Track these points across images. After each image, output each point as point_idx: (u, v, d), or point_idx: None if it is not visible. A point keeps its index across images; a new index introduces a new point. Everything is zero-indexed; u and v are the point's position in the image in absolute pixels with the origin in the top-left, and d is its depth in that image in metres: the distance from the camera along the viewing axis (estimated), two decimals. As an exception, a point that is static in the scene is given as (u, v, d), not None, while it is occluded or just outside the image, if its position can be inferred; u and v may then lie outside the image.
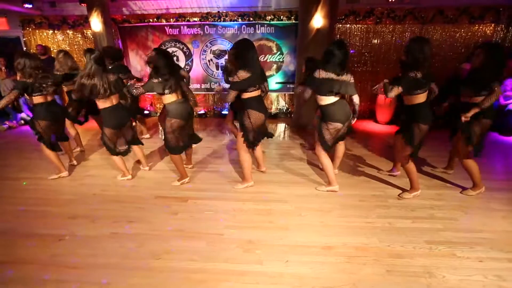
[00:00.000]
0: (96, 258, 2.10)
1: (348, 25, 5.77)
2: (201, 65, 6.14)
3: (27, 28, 6.22)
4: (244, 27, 5.82)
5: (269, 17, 5.75)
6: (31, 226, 2.50)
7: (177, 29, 5.93)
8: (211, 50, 6.01)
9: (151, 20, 5.94)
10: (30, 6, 5.48)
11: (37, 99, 3.01)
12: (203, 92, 6.33)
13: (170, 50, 6.04)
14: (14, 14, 6.06)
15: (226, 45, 5.97)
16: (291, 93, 6.16)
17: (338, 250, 2.14)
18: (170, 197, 2.93)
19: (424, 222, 2.46)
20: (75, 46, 6.30)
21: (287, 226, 2.44)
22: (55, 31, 6.23)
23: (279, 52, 5.92)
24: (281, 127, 5.60)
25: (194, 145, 3.46)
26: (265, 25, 5.78)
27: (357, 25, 5.77)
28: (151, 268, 1.99)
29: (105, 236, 2.35)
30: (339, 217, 2.56)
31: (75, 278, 1.92)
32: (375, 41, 5.83)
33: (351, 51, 5.88)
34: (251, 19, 5.77)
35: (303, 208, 2.70)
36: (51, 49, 6.27)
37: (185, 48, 6.03)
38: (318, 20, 4.68)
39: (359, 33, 5.82)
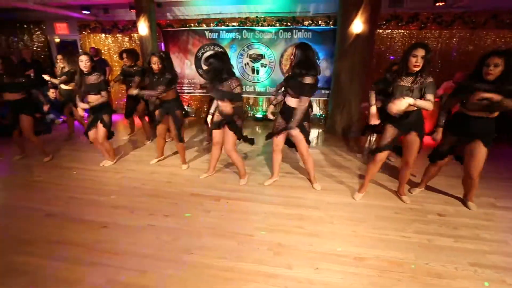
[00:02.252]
0: (135, 247, 2.24)
1: (389, 31, 5.57)
2: (238, 68, 6.29)
3: (83, 32, 6.84)
4: (281, 32, 5.87)
5: (307, 22, 5.75)
6: (79, 212, 2.74)
7: (217, 33, 6.15)
8: (247, 54, 6.14)
9: (192, 25, 6.22)
10: (88, 12, 6.06)
11: None
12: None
13: (208, 53, 6.28)
14: (73, 20, 6.71)
15: (262, 50, 6.06)
16: (325, 98, 6.07)
17: (370, 262, 2.07)
18: (204, 195, 3.03)
19: (468, 243, 2.28)
20: (123, 49, 6.79)
21: (318, 233, 2.41)
22: (107, 35, 6.78)
23: (315, 58, 5.87)
24: (314, 133, 5.53)
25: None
26: (302, 30, 5.78)
27: (399, 31, 5.55)
28: (184, 262, 2.08)
29: (143, 227, 2.50)
30: (373, 228, 2.47)
31: (116, 263, 2.07)
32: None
33: (391, 58, 5.66)
34: (289, 24, 5.81)
35: (334, 216, 2.65)
36: (102, 51, 6.84)
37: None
38: (358, 25, 4.57)
39: (401, 39, 5.59)
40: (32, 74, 5.82)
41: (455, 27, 5.30)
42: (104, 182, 3.37)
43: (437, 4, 4.91)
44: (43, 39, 7.12)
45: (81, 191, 3.15)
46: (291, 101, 2.82)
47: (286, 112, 2.89)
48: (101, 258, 2.12)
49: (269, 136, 3.12)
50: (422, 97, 2.37)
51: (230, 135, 3.02)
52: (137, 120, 5.00)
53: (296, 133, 2.85)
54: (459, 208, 2.79)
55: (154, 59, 3.19)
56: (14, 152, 4.08)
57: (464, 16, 5.18)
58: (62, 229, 2.47)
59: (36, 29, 7.06)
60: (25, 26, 7.04)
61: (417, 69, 2.32)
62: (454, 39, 5.37)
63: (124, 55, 4.44)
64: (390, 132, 2.63)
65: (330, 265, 2.05)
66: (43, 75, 4.53)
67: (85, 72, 3.29)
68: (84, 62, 3.24)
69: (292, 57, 2.72)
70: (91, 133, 3.60)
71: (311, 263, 2.06)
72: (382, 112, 2.61)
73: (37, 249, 2.22)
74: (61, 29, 6.99)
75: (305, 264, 2.05)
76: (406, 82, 2.41)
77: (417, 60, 2.28)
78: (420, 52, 2.27)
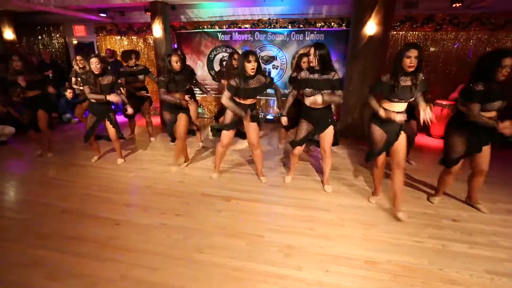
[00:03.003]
0: (147, 245, 2.28)
1: (403, 32, 5.49)
2: (249, 70, 6.32)
3: (100, 34, 7.04)
4: (293, 34, 5.87)
5: (320, 24, 5.73)
6: (94, 208, 2.82)
7: (229, 35, 6.21)
8: (259, 56, 6.17)
9: (205, 27, 6.30)
10: (104, 15, 6.23)
11: None
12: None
13: (220, 55, 6.35)
14: (90, 22, 6.92)
15: (274, 52, 6.08)
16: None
17: (382, 267, 2.04)
18: (214, 195, 3.06)
19: (484, 250, 2.22)
20: (138, 50, 6.95)
21: (328, 235, 2.39)
22: (122, 37, 6.95)
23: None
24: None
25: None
26: (315, 32, 5.76)
27: (414, 32, 5.46)
28: (195, 260, 2.11)
29: (155, 225, 2.55)
30: (384, 232, 2.43)
31: (129, 260, 2.12)
32: (433, 49, 5.45)
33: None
34: (301, 26, 5.80)
35: (345, 219, 2.62)
36: (117, 52, 7.01)
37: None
38: (371, 27, 4.53)
39: (415, 41, 5.49)
40: (50, 75, 6.01)
41: (473, 29, 5.17)
42: (118, 180, 3.45)
43: (454, 5, 4.81)
44: (62, 40, 7.37)
45: (96, 188, 3.23)
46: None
47: (310, 115, 2.84)
48: (114, 254, 2.17)
49: (296, 144, 3.01)
50: None
51: (255, 128, 3.10)
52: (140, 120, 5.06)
53: (330, 129, 2.88)
54: (474, 213, 2.72)
55: (175, 58, 3.26)
56: (34, 148, 4.24)
57: (483, 17, 5.04)
58: (77, 225, 2.54)
59: (55, 31, 7.30)
60: (45, 28, 7.30)
61: (412, 69, 2.33)
62: (471, 41, 5.23)
63: (133, 56, 4.56)
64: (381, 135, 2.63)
65: (340, 268, 2.03)
66: (73, 86, 4.76)
67: (96, 73, 3.41)
68: (94, 64, 3.35)
69: (311, 57, 2.68)
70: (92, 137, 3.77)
71: (321, 265, 2.05)
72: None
73: (54, 244, 2.29)
74: (79, 31, 7.21)
75: (315, 266, 2.04)
76: (405, 82, 2.39)
77: (411, 61, 2.29)
78: (414, 53, 2.27)
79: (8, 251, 2.22)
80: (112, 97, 3.48)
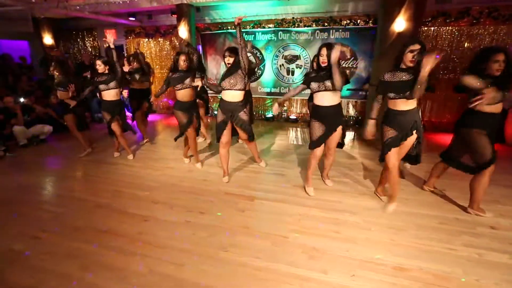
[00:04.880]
0: (173, 241, 2.35)
1: (435, 28, 5.21)
2: (272, 70, 6.31)
3: (129, 37, 7.35)
4: (317, 33, 5.78)
5: (345, 22, 5.59)
6: (123, 205, 2.94)
7: (252, 35, 6.23)
8: (283, 55, 6.13)
9: (229, 27, 6.37)
10: (134, 19, 6.50)
11: None
12: (273, 96, 6.49)
13: (244, 55, 6.38)
14: (120, 26, 7.23)
15: (298, 51, 6.02)
16: (363, 100, 5.85)
17: (412, 274, 1.95)
18: (238, 194, 3.09)
19: (528, 261, 2.06)
20: (164, 52, 7.18)
21: (355, 238, 2.33)
22: (149, 39, 7.21)
23: (352, 58, 5.69)
24: (350, 136, 5.35)
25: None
26: (340, 30, 5.63)
27: (447, 28, 5.16)
28: (220, 258, 2.14)
29: (180, 222, 2.62)
30: (414, 238, 2.33)
31: (156, 255, 2.19)
32: (468, 44, 5.13)
33: (436, 56, 5.27)
34: (326, 24, 5.70)
35: (372, 223, 2.54)
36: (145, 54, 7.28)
37: (258, 53, 6.28)
38: (400, 24, 4.34)
39: (448, 37, 5.20)
40: (88, 76, 6.38)
41: (514, 22, 4.80)
42: (145, 178, 3.58)
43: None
44: (95, 44, 7.78)
45: (124, 185, 3.38)
46: (328, 100, 2.74)
47: (324, 115, 2.80)
48: (143, 249, 2.25)
49: (314, 146, 2.91)
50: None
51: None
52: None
53: (339, 130, 2.87)
54: (516, 222, 2.53)
55: (183, 57, 3.44)
56: (67, 147, 4.51)
57: (526, 9, 4.68)
58: (108, 220, 2.67)
59: (89, 35, 7.73)
60: (79, 33, 7.75)
61: (413, 64, 2.28)
62: (513, 35, 4.87)
63: (132, 59, 4.78)
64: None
65: (367, 273, 1.97)
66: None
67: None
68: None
69: (323, 58, 2.66)
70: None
71: (347, 269, 2.00)
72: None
73: (87, 237, 2.43)
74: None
75: (341, 270, 2.00)
76: (405, 76, 2.36)
77: (414, 56, 2.27)
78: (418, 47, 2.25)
79: (47, 241, 2.38)
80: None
